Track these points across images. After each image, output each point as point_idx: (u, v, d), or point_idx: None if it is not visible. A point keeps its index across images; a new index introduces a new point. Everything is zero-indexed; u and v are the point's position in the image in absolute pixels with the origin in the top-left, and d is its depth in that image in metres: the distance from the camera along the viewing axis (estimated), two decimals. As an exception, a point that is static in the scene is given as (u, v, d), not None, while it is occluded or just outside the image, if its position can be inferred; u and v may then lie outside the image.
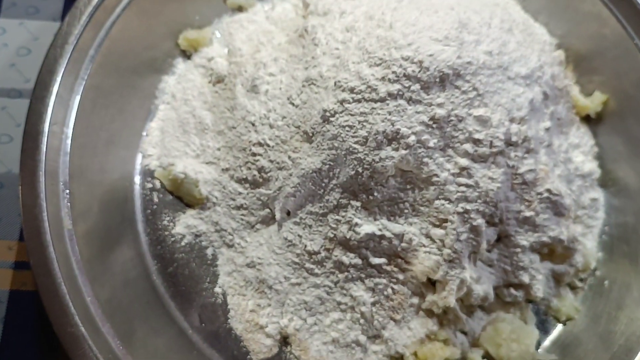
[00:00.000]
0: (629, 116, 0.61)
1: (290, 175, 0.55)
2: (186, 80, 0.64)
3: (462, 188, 0.51)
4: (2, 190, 0.61)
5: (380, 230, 0.52)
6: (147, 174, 0.61)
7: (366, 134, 0.51)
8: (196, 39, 0.64)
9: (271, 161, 0.56)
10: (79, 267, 0.51)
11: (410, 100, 0.50)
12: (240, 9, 0.66)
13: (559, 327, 0.59)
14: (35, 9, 0.67)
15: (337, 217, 0.54)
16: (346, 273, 0.55)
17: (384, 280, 0.54)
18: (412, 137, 0.50)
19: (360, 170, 0.52)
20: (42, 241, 0.49)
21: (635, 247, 0.58)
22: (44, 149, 0.52)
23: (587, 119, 0.63)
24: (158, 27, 0.63)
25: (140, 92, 0.63)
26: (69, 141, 0.54)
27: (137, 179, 0.61)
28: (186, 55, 0.65)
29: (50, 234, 0.50)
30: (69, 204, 0.52)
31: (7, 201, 0.61)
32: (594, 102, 0.62)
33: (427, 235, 0.53)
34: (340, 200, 0.53)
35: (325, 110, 0.52)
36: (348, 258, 0.54)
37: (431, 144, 0.50)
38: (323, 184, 0.54)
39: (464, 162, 0.50)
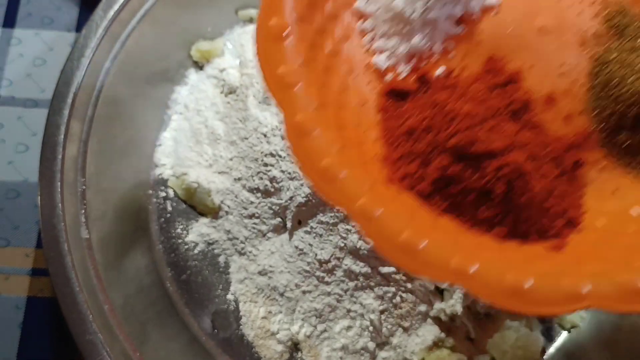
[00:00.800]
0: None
1: (302, 185, 0.56)
2: (198, 90, 0.64)
3: None
4: (18, 199, 0.62)
5: None
6: (161, 183, 0.62)
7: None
8: (208, 50, 0.64)
9: (283, 171, 0.57)
10: (96, 275, 0.52)
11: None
12: (251, 20, 0.66)
13: (564, 335, 0.59)
14: (50, 20, 0.68)
15: (347, 226, 0.55)
16: (356, 281, 0.55)
17: (393, 289, 0.55)
18: None
19: None
20: (60, 250, 0.50)
21: None
22: (62, 160, 0.53)
23: None
24: (171, 39, 0.63)
25: (153, 102, 0.63)
26: (85, 151, 0.55)
27: (151, 188, 0.62)
28: (198, 66, 0.66)
29: (68, 243, 0.51)
30: (85, 213, 0.53)
31: (23, 209, 0.62)
32: None
33: None
34: None
35: None
36: (358, 267, 0.55)
37: None
38: None
39: None
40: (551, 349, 0.59)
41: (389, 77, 0.45)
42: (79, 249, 0.52)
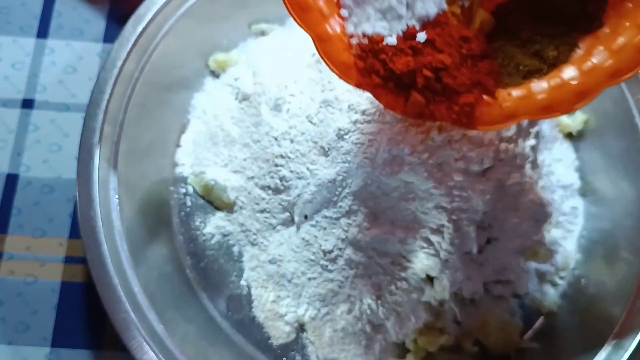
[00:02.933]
0: (608, 133, 0.65)
1: (308, 184, 0.60)
2: (215, 97, 0.68)
3: (457, 199, 0.56)
4: (53, 194, 0.66)
5: (385, 233, 0.57)
6: (181, 180, 0.66)
7: (374, 151, 0.56)
8: (224, 60, 0.69)
9: (291, 171, 0.61)
10: (127, 262, 0.56)
11: (413, 123, 0.55)
12: (263, 33, 0.71)
13: (541, 319, 0.63)
14: (80, 31, 0.72)
15: (348, 221, 0.58)
16: (355, 270, 0.59)
17: (388, 277, 0.59)
18: (415, 155, 0.55)
19: (368, 182, 0.57)
20: (97, 240, 0.55)
21: (610, 249, 0.62)
22: (97, 160, 0.57)
23: (569, 136, 0.68)
24: (190, 50, 0.67)
25: (174, 107, 0.68)
26: (117, 152, 0.59)
27: (172, 185, 0.66)
28: (215, 75, 0.70)
29: (103, 234, 0.55)
30: (118, 207, 0.58)
31: (57, 203, 0.66)
32: (575, 122, 0.67)
33: (426, 239, 0.57)
34: (351, 207, 0.58)
35: (339, 129, 0.57)
36: (357, 257, 0.59)
37: (431, 161, 0.55)
38: (337, 192, 0.59)
39: (458, 177, 0.55)
40: (529, 332, 0.63)
41: None
42: (113, 239, 0.56)
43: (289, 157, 0.61)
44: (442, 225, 0.57)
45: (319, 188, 0.59)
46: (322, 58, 0.45)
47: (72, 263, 0.65)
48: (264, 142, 0.63)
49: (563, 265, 0.64)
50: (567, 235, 0.65)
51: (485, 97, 0.46)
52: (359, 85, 0.46)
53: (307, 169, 0.60)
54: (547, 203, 0.60)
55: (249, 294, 0.63)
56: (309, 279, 0.61)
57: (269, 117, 0.63)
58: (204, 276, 0.64)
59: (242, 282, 0.64)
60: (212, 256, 0.64)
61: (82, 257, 0.63)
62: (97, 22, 0.73)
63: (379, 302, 0.60)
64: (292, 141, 0.61)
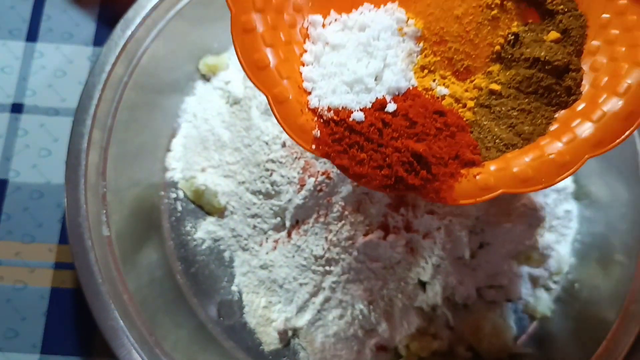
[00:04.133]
0: None
1: (300, 189, 0.59)
2: (206, 101, 0.68)
3: None
4: (42, 199, 0.66)
5: (377, 239, 0.57)
6: (172, 185, 0.66)
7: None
8: (215, 64, 0.68)
9: (282, 176, 0.60)
10: (115, 268, 0.56)
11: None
12: None
13: (534, 324, 0.63)
14: (69, 35, 0.72)
15: (339, 226, 0.58)
16: (347, 275, 0.59)
17: (380, 282, 0.59)
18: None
19: (357, 188, 0.57)
20: (84, 246, 0.55)
21: (604, 253, 0.62)
22: (85, 166, 0.57)
23: None
24: (181, 54, 0.67)
25: (164, 111, 0.67)
26: (105, 157, 0.59)
27: (163, 190, 0.66)
28: (205, 78, 0.69)
29: (91, 240, 0.55)
30: (106, 213, 0.57)
31: (47, 209, 0.66)
32: None
33: (418, 245, 0.57)
34: (342, 212, 0.58)
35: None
36: (349, 262, 0.58)
37: None
38: (327, 198, 0.59)
39: None
40: (523, 337, 0.63)
41: None
42: (101, 245, 0.56)
43: (280, 162, 0.61)
44: (434, 230, 0.57)
45: (310, 193, 0.59)
46: (277, 120, 0.43)
47: (62, 269, 0.64)
48: (255, 146, 0.63)
49: (557, 269, 0.64)
50: (561, 239, 0.65)
51: (464, 170, 0.44)
52: (315, 152, 0.43)
53: (298, 173, 0.60)
54: (540, 207, 0.60)
55: (240, 300, 0.63)
56: (301, 284, 0.61)
57: (259, 121, 0.63)
58: (194, 282, 0.64)
59: (233, 288, 0.64)
60: (203, 261, 0.64)
61: (71, 263, 0.61)
62: (87, 26, 0.73)
63: (371, 307, 0.60)
64: (283, 145, 0.61)
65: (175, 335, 0.59)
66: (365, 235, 0.58)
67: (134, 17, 0.62)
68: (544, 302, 0.63)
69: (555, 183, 0.43)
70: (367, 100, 0.44)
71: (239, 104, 0.66)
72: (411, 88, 0.46)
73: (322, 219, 0.59)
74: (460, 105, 0.48)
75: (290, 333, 0.62)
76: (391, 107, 0.44)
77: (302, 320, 0.61)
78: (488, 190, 0.43)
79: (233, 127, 0.66)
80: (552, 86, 0.46)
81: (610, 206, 0.64)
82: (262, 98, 0.63)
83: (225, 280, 0.64)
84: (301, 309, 0.61)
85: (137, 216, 0.63)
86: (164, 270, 0.63)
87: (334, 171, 0.58)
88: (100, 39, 0.72)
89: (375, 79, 0.45)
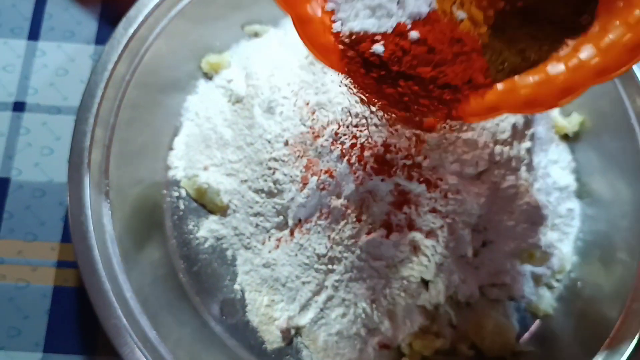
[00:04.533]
0: (604, 134, 0.65)
1: (302, 187, 0.59)
2: (208, 99, 0.68)
3: (451, 202, 0.56)
4: (44, 198, 0.66)
5: (380, 237, 0.57)
6: (174, 183, 0.66)
7: (368, 154, 0.55)
8: (217, 62, 0.68)
9: (285, 175, 0.60)
10: (119, 266, 0.56)
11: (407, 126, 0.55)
12: (256, 35, 0.70)
13: (537, 323, 0.63)
14: (71, 33, 0.72)
15: (342, 225, 0.58)
16: (350, 274, 0.59)
17: (383, 281, 0.59)
18: (408, 158, 0.55)
19: (361, 185, 0.56)
20: (88, 245, 0.55)
21: (606, 252, 0.62)
22: (88, 164, 0.57)
23: (565, 137, 0.68)
24: (183, 52, 0.67)
25: (166, 110, 0.67)
26: (108, 156, 0.58)
27: (165, 188, 0.66)
28: (208, 77, 0.69)
29: (95, 239, 0.55)
30: (109, 211, 0.57)
31: (49, 207, 0.66)
32: (571, 123, 0.67)
33: (421, 243, 0.57)
34: (345, 211, 0.58)
35: (333, 132, 0.57)
36: (352, 261, 0.58)
37: (425, 164, 0.55)
38: (330, 196, 0.59)
39: (452, 179, 0.55)
40: (526, 335, 0.63)
41: None
42: (105, 243, 0.56)
43: (283, 161, 0.61)
44: (437, 229, 0.57)
45: (312, 191, 0.59)
46: (301, 39, 0.44)
47: (64, 267, 0.64)
48: (257, 144, 0.63)
49: (559, 268, 0.64)
50: (563, 237, 0.65)
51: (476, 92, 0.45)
52: (340, 70, 0.45)
53: (301, 172, 0.60)
54: (542, 205, 0.60)
55: (243, 298, 0.63)
56: (303, 282, 0.61)
57: (262, 119, 0.63)
58: (197, 280, 0.64)
59: (236, 286, 0.64)
60: (206, 260, 0.64)
61: (74, 261, 0.62)
62: (89, 24, 0.73)
63: (374, 305, 0.59)
64: (285, 144, 0.61)
65: (178, 334, 0.59)
66: (368, 233, 0.58)
67: (136, 16, 0.62)
68: (546, 300, 0.63)
69: (558, 106, 0.45)
70: (389, 25, 0.44)
71: (241, 102, 0.66)
72: (431, 12, 0.46)
73: (324, 218, 0.59)
74: (477, 28, 0.48)
75: (292, 331, 0.62)
76: (414, 34, 0.44)
77: (304, 319, 0.61)
78: (494, 109, 0.44)
79: (235, 125, 0.66)
80: (566, 13, 0.47)
81: (613, 204, 0.64)
82: (265, 96, 0.63)
83: (227, 279, 0.64)
84: (304, 308, 0.61)
85: (139, 214, 0.62)
86: (167, 269, 0.63)
87: (336, 170, 0.58)
88: (102, 38, 0.72)
89: (398, 3, 0.45)
